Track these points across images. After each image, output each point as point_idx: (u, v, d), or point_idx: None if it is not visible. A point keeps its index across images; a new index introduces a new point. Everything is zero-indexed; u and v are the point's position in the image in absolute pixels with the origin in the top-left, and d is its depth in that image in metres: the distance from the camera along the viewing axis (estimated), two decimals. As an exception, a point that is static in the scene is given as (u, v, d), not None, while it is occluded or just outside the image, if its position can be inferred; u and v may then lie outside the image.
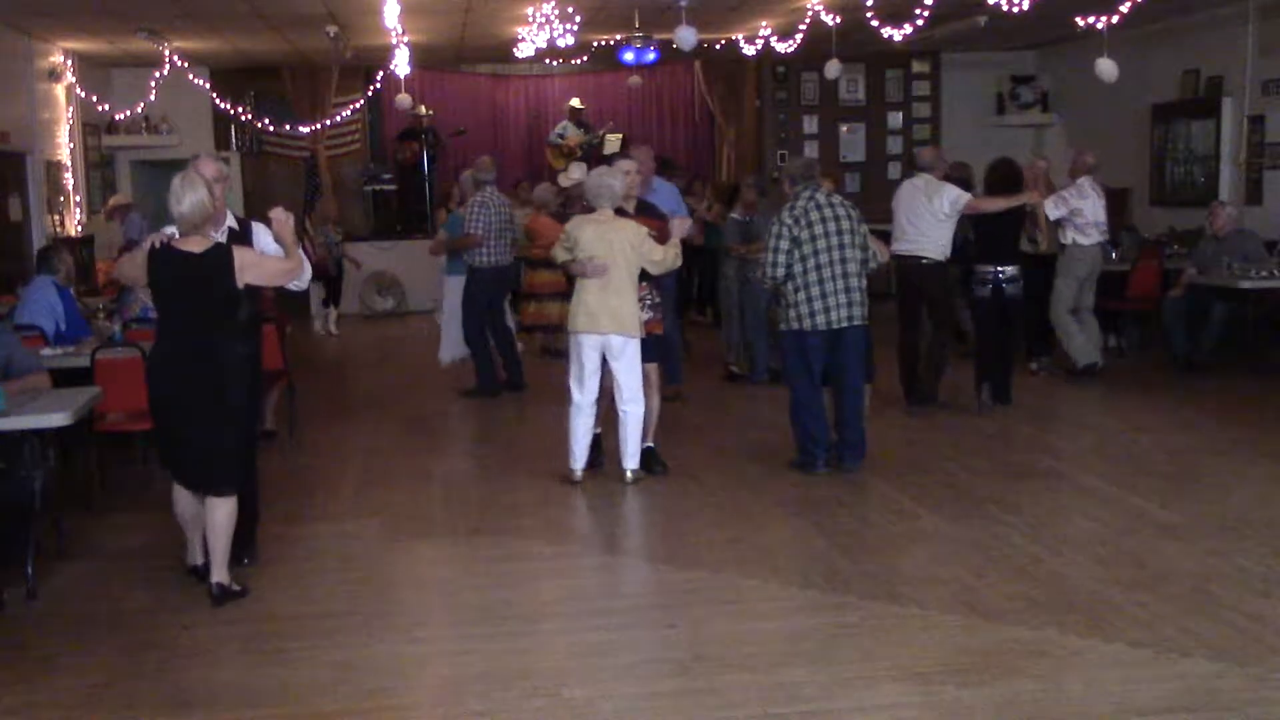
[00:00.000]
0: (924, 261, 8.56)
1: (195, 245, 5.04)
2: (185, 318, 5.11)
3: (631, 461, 6.97)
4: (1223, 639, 4.50)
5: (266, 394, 8.56)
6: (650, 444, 7.21)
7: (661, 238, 6.96)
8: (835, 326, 6.93)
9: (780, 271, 6.96)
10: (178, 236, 5.08)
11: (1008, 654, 4.44)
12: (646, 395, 7.00)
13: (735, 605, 5.11)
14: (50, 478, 5.66)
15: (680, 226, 7.14)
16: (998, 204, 8.56)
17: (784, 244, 6.93)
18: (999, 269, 8.59)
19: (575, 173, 11.66)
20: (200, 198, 5.01)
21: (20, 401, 5.47)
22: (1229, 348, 10.28)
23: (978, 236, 8.74)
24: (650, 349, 7.07)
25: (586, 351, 6.84)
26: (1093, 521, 6.08)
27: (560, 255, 6.96)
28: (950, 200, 8.45)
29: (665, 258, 6.90)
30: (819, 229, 6.90)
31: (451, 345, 10.61)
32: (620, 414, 6.92)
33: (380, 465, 7.79)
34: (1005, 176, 8.77)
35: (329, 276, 14.31)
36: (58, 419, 5.34)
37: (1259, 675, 4.20)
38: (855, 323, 6.98)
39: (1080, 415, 8.79)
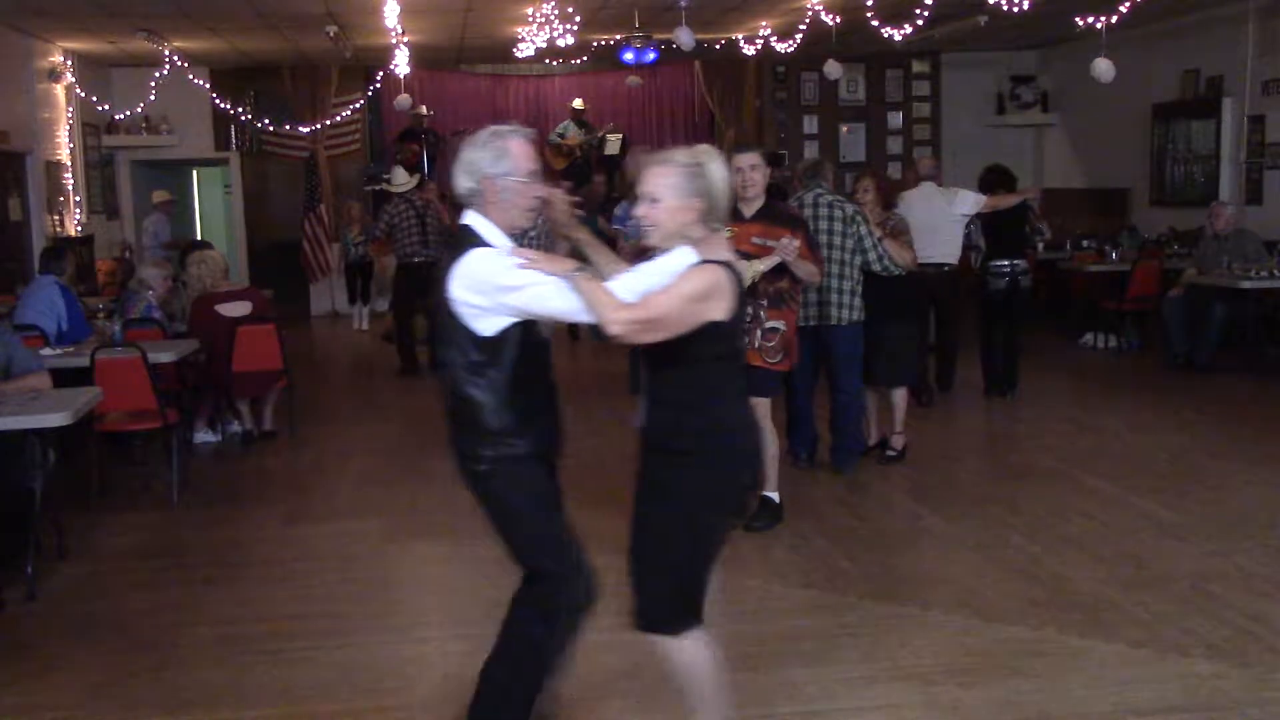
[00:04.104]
0: (945, 269, 8.94)
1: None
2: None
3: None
4: (1223, 639, 4.50)
5: (265, 394, 8.60)
6: (771, 493, 6.13)
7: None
8: (801, 324, 6.91)
9: None
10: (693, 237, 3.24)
11: (1008, 654, 4.44)
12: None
13: (735, 605, 5.11)
14: (50, 478, 5.66)
15: (788, 247, 5.66)
16: (1010, 199, 9.14)
17: None
18: (1013, 262, 9.14)
19: (399, 177, 11.02)
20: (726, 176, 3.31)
21: (20, 401, 5.47)
22: (1229, 348, 10.28)
23: (988, 235, 9.28)
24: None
25: None
26: (1093, 521, 6.08)
27: None
28: (973, 200, 8.99)
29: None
30: None
31: None
32: None
33: (380, 465, 7.79)
34: (1004, 175, 9.34)
35: (361, 275, 14.97)
36: (58, 419, 5.33)
37: (1259, 675, 4.20)
38: (834, 323, 6.87)
39: (1080, 415, 8.79)
